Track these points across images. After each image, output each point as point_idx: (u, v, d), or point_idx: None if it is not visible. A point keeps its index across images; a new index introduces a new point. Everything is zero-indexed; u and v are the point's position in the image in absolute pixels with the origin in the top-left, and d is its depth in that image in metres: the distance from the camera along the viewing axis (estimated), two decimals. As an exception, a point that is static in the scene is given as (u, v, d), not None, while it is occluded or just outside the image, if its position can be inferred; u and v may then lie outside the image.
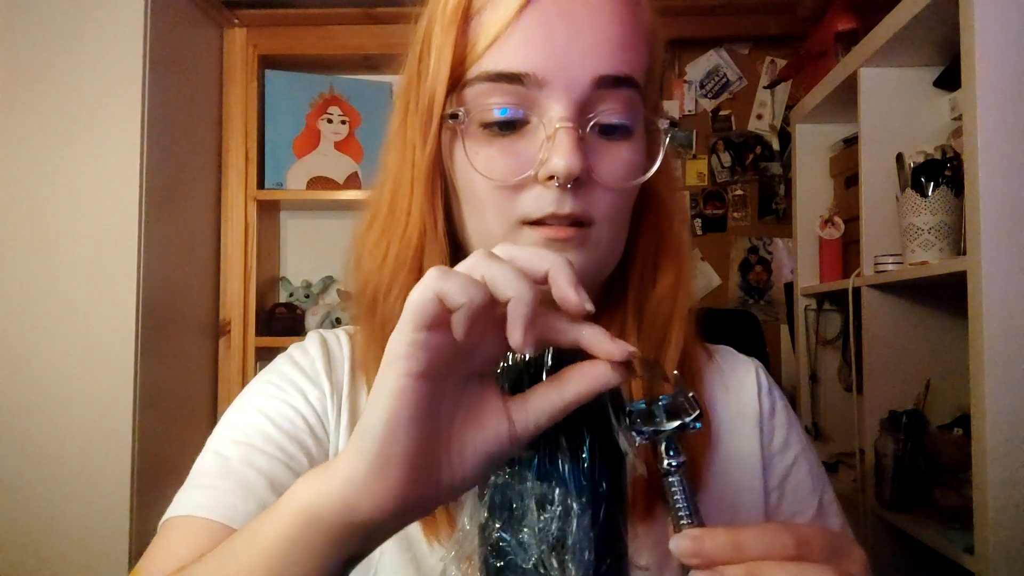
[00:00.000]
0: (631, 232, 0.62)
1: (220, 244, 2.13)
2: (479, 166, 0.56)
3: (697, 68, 2.36)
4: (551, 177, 0.54)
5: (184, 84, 1.92)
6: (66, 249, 1.65)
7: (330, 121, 2.21)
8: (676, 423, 0.41)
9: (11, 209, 1.65)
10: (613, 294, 0.63)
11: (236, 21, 2.13)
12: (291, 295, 2.24)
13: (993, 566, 1.12)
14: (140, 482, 1.63)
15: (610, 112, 0.56)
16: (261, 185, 2.14)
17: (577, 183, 0.54)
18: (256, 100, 2.15)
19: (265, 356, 2.13)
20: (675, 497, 0.40)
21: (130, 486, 1.62)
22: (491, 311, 0.39)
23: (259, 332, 2.12)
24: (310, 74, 2.22)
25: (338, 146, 2.20)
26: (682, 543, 0.38)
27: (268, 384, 0.64)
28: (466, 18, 0.56)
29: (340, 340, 0.69)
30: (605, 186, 0.56)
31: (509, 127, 0.56)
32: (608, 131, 0.56)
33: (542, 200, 0.55)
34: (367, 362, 0.63)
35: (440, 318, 0.38)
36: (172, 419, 1.81)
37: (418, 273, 0.58)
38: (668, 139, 0.59)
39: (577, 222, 0.56)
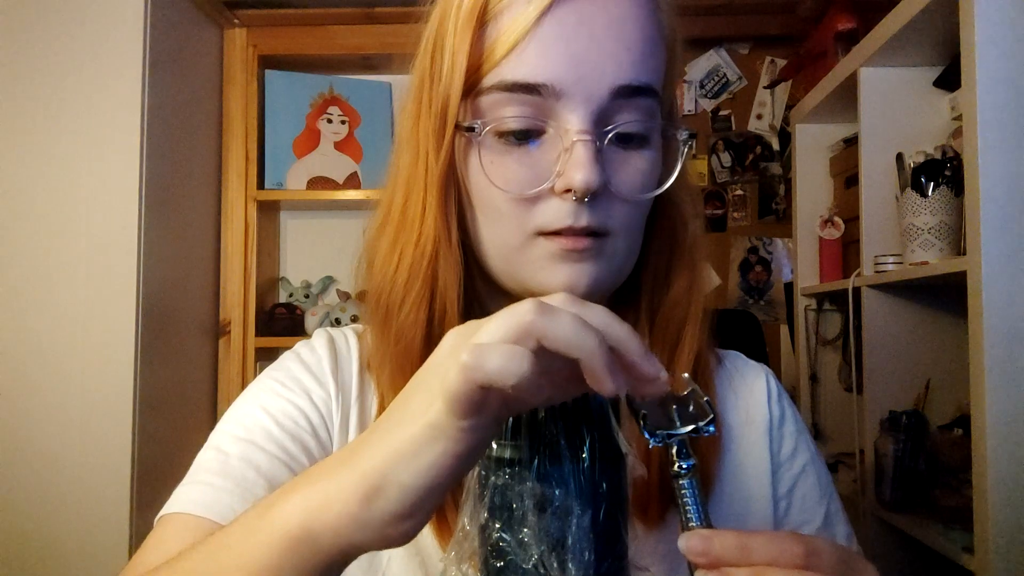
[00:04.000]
0: (645, 235, 0.61)
1: (220, 244, 2.12)
2: (495, 178, 0.55)
3: (697, 68, 2.36)
4: (568, 190, 0.53)
5: (184, 84, 1.92)
6: (66, 249, 1.64)
7: (330, 121, 2.21)
8: (690, 427, 0.40)
9: (11, 209, 1.65)
10: (626, 296, 0.63)
11: (236, 21, 2.12)
12: (291, 295, 2.24)
13: (993, 566, 1.11)
14: (140, 482, 1.63)
15: (628, 122, 0.55)
16: (261, 185, 2.14)
17: (594, 195, 0.54)
18: (256, 100, 2.15)
19: (265, 356, 2.13)
20: (685, 500, 0.40)
21: (130, 486, 1.61)
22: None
23: (259, 332, 2.11)
24: (310, 74, 2.22)
25: (338, 146, 2.20)
26: (691, 541, 0.38)
27: (274, 381, 0.64)
28: (481, 22, 0.55)
29: (348, 340, 0.68)
30: (622, 198, 0.56)
31: (524, 136, 0.55)
32: (625, 140, 0.56)
33: (559, 212, 0.54)
34: (377, 368, 0.62)
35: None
36: (172, 419, 1.81)
37: (432, 282, 0.58)
38: (687, 150, 0.58)
39: (593, 232, 0.55)
